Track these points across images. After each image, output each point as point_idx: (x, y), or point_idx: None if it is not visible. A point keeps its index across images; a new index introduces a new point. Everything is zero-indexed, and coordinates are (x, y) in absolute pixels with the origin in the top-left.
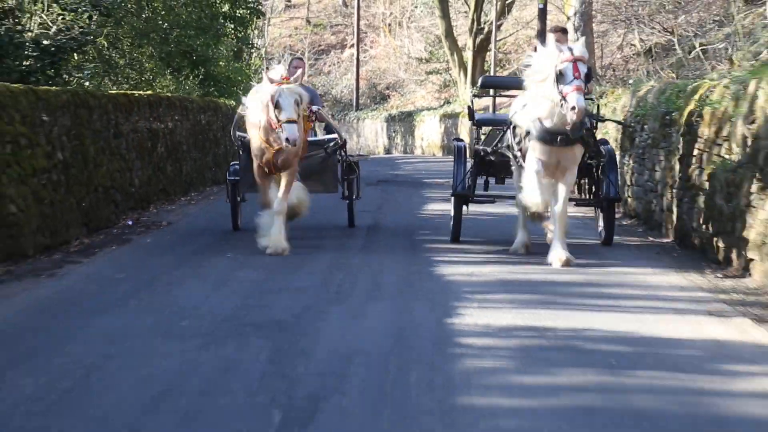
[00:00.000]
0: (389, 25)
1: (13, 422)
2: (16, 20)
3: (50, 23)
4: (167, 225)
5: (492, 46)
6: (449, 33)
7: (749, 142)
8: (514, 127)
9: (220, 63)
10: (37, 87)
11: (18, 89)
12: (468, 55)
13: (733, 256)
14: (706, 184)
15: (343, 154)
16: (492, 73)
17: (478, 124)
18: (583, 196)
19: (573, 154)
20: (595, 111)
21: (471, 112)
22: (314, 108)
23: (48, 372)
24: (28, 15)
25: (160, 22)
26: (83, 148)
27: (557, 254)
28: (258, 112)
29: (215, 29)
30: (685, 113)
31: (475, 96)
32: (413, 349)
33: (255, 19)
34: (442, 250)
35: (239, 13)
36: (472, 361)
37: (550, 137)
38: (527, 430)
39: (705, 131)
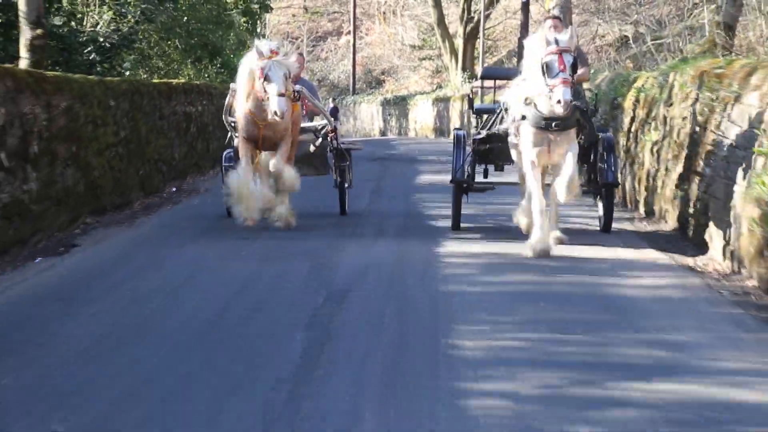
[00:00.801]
0: (384, 13)
1: (152, 303)
2: (77, 22)
3: (105, 25)
4: (205, 191)
5: (480, 34)
6: (441, 21)
7: (668, 121)
8: (506, 110)
9: (229, 54)
10: (104, 78)
11: (93, 80)
12: (459, 42)
13: (656, 208)
14: (641, 155)
15: (333, 141)
16: (481, 60)
17: (477, 112)
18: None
19: (569, 135)
20: (592, 98)
21: (470, 102)
22: (297, 87)
23: (163, 278)
24: (81, 15)
25: (184, 18)
26: (137, 127)
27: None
28: (245, 84)
29: (229, 22)
30: (628, 98)
31: (474, 87)
32: (409, 263)
33: (264, 12)
34: (432, 207)
35: (252, 7)
36: (450, 269)
37: (545, 122)
38: (486, 302)
39: (640, 113)
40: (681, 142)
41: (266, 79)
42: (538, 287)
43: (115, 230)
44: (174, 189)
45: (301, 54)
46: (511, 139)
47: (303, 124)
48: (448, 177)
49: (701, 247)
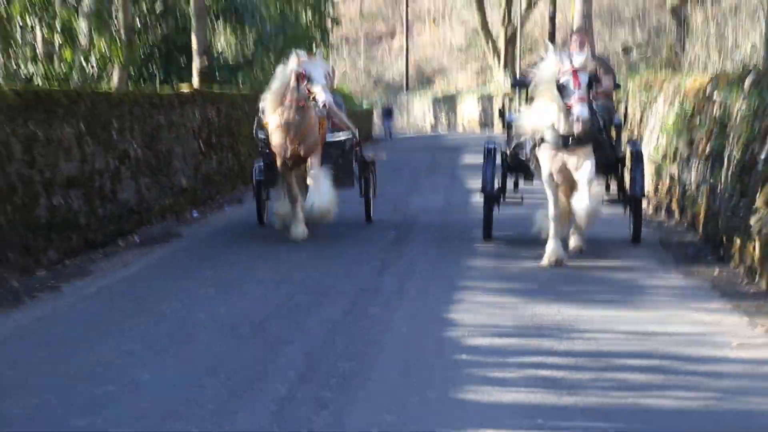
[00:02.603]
0: (433, 17)
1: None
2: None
3: (229, 49)
4: None
5: (518, 37)
6: (484, 25)
7: (627, 115)
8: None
9: None
10: (240, 90)
11: (237, 92)
12: (501, 44)
13: None
14: None
15: (358, 152)
16: (519, 61)
17: (509, 125)
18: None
19: (584, 150)
20: (622, 111)
21: (501, 113)
22: (330, 98)
23: (230, 265)
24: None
25: (276, 35)
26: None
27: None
28: (276, 100)
29: (310, 37)
30: None
31: (508, 97)
32: (454, 206)
33: (334, 25)
34: (470, 178)
35: (325, 23)
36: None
37: (562, 141)
38: (503, 253)
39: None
40: (632, 129)
41: (308, 78)
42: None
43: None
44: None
45: (333, 68)
46: (532, 161)
47: (328, 139)
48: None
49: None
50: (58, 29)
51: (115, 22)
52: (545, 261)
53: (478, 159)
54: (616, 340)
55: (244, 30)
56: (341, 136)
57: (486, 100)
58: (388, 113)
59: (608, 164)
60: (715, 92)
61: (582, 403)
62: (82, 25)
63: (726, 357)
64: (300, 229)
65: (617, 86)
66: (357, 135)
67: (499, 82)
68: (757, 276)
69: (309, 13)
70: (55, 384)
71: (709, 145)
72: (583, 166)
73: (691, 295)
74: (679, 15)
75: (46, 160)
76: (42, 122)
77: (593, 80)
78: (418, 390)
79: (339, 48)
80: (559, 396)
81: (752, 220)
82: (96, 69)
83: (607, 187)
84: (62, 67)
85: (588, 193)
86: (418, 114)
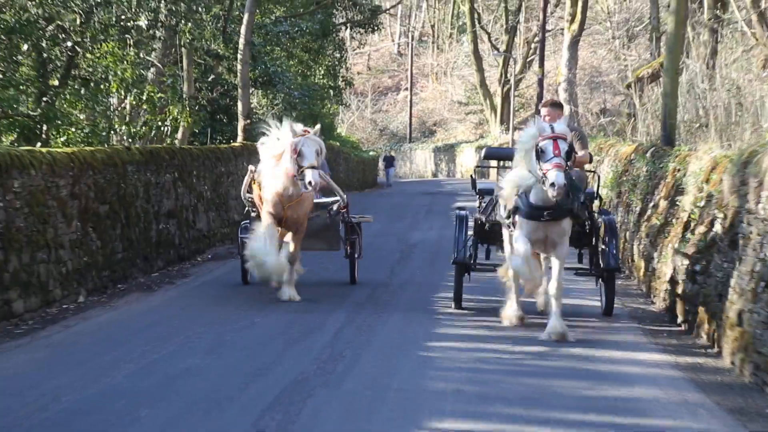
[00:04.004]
0: (436, 73)
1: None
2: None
3: (264, 110)
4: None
5: (511, 96)
6: (483, 83)
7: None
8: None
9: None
10: None
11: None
12: (498, 101)
13: None
14: None
15: (345, 215)
16: (512, 116)
17: (480, 193)
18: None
19: (561, 229)
20: (595, 185)
21: (473, 182)
22: (311, 178)
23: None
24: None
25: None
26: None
27: (553, 328)
28: (272, 166)
29: (323, 95)
30: None
31: (477, 167)
32: (444, 239)
33: (347, 87)
34: None
35: (339, 84)
36: None
37: (536, 213)
38: None
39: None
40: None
41: (299, 154)
42: None
43: None
44: None
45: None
46: (504, 231)
47: (315, 200)
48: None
49: None
50: (144, 99)
51: (184, 92)
52: (506, 320)
53: (472, 204)
54: None
55: (274, 93)
56: (329, 199)
57: (482, 151)
58: (389, 162)
59: (581, 235)
60: (634, 159)
61: None
62: (159, 95)
63: None
64: (287, 290)
65: (591, 158)
66: (345, 199)
67: (495, 135)
68: (644, 287)
69: (325, 77)
70: (183, 326)
71: (625, 196)
72: (557, 252)
73: None
74: (634, 89)
75: (156, 198)
76: (154, 171)
77: (572, 150)
78: None
79: (348, 100)
80: None
81: (640, 248)
82: (169, 128)
83: (580, 258)
84: (143, 128)
85: (559, 281)
86: (419, 162)
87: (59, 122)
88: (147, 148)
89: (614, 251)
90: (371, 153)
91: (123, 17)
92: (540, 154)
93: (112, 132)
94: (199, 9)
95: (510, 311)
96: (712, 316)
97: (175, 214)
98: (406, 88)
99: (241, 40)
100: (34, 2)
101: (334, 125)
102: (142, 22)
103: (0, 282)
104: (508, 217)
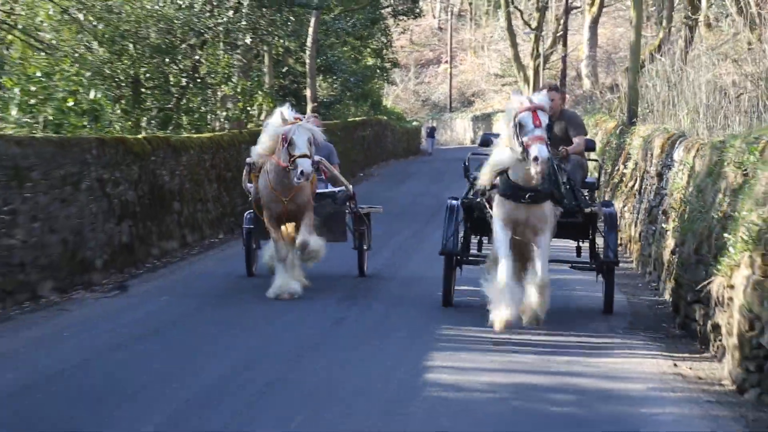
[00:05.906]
0: (474, 47)
1: None
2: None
3: (325, 93)
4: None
5: (541, 70)
6: (516, 57)
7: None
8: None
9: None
10: (334, 120)
11: (337, 122)
12: (530, 73)
13: None
14: None
15: (352, 205)
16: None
17: (473, 179)
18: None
19: (542, 212)
20: (596, 174)
21: (466, 169)
22: (316, 158)
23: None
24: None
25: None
26: (351, 147)
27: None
28: (266, 155)
29: (372, 75)
30: None
31: (474, 155)
32: None
33: (394, 68)
34: None
35: (386, 65)
36: None
37: (516, 193)
38: None
39: None
40: None
41: (290, 143)
42: None
43: None
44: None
45: (316, 117)
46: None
47: (319, 190)
48: None
49: None
50: (239, 90)
51: (265, 83)
52: (495, 324)
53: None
54: None
55: (333, 79)
56: (334, 189)
57: None
58: (430, 132)
59: (578, 227)
60: (611, 134)
61: None
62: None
63: None
64: (292, 286)
65: (590, 145)
66: (351, 189)
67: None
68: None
69: (373, 60)
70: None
71: (604, 162)
72: (538, 240)
73: None
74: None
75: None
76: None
77: (552, 124)
78: None
79: (394, 77)
80: None
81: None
82: (256, 113)
83: (578, 251)
84: (236, 113)
85: (543, 269)
86: (459, 130)
87: (183, 113)
88: (252, 130)
89: (613, 244)
90: (414, 123)
91: (232, 35)
92: (519, 128)
93: (213, 116)
94: (289, 20)
95: (500, 312)
96: (629, 238)
97: None
98: (446, 61)
99: (309, 39)
100: (177, 25)
101: (381, 100)
102: (248, 39)
103: (179, 224)
104: (483, 194)
